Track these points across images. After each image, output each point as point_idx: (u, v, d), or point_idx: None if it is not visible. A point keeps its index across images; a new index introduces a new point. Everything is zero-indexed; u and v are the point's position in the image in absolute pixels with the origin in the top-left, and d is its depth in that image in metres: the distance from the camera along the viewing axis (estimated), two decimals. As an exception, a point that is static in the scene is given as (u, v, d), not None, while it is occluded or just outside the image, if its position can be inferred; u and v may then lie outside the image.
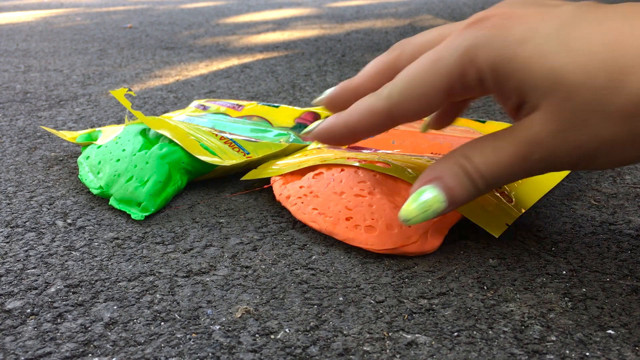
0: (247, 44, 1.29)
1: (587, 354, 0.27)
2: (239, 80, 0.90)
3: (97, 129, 0.54)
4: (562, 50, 0.26)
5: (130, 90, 0.58)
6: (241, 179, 0.46)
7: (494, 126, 0.56)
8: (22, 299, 0.32)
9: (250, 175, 0.46)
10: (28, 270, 0.35)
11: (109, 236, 0.39)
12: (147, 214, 0.42)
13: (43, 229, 0.41)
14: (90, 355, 0.27)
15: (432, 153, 0.47)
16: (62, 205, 0.44)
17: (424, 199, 0.30)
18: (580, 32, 0.26)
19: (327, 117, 0.60)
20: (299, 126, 0.59)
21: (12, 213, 0.43)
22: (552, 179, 0.44)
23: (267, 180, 0.47)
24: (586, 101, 0.26)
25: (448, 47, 0.29)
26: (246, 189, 0.47)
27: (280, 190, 0.42)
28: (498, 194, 0.39)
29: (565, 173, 0.45)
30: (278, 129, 0.58)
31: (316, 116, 0.61)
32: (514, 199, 0.40)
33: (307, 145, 0.53)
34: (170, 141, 0.46)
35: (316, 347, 0.28)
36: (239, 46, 1.26)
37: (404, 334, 0.28)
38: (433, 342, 0.28)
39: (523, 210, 0.39)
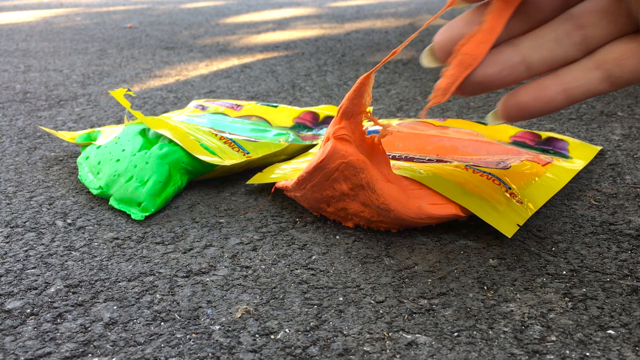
0: (247, 44, 1.29)
1: (587, 354, 0.27)
2: (239, 80, 0.90)
3: (97, 129, 0.54)
4: None
5: (129, 90, 0.58)
6: (247, 183, 0.47)
7: (496, 128, 0.56)
8: (22, 299, 0.32)
9: (255, 180, 0.46)
10: (28, 270, 0.35)
11: (108, 236, 0.39)
12: (147, 214, 0.42)
13: (43, 229, 0.41)
14: (90, 355, 0.27)
15: (437, 155, 0.47)
16: (62, 205, 0.44)
17: None
18: None
19: (326, 116, 0.60)
20: (298, 126, 0.59)
21: (12, 213, 0.43)
22: (559, 181, 0.44)
23: (272, 186, 0.47)
24: None
25: None
26: (249, 191, 0.47)
27: (286, 183, 0.42)
28: (508, 195, 0.39)
29: (571, 175, 0.45)
30: (277, 129, 0.58)
31: (315, 116, 0.61)
32: (523, 201, 0.40)
33: (308, 145, 0.53)
34: (170, 141, 0.46)
35: (316, 347, 0.27)
36: (239, 46, 1.26)
37: (404, 334, 0.28)
38: (433, 342, 0.28)
39: (534, 211, 0.39)
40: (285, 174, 0.45)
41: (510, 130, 0.55)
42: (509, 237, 0.36)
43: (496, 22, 0.27)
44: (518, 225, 0.37)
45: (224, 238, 0.39)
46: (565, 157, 0.50)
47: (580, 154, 0.51)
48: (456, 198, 0.37)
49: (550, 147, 0.52)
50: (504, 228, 0.36)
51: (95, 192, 0.45)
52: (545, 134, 0.54)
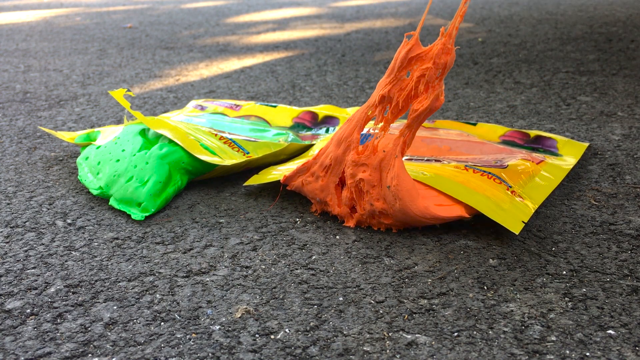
0: (247, 44, 1.29)
1: (587, 354, 0.27)
2: (239, 80, 0.90)
3: (96, 129, 0.54)
4: None
5: (129, 90, 0.58)
6: (244, 185, 0.47)
7: (485, 128, 0.56)
8: (22, 299, 0.32)
9: (252, 181, 0.46)
10: (28, 270, 0.35)
11: (108, 236, 0.39)
12: (147, 214, 0.42)
13: (43, 229, 0.41)
14: (90, 355, 0.27)
15: (432, 155, 0.47)
16: (62, 205, 0.44)
17: None
18: None
19: (325, 116, 0.60)
20: (297, 126, 0.59)
21: (12, 213, 0.43)
22: (554, 179, 0.44)
23: (271, 186, 0.47)
24: None
25: None
26: (249, 192, 0.47)
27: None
28: (510, 193, 0.40)
29: (564, 173, 0.46)
30: (277, 129, 0.58)
31: (314, 115, 0.61)
32: (524, 198, 0.40)
33: (307, 145, 0.53)
34: (170, 141, 0.46)
35: (316, 347, 0.27)
36: (239, 46, 1.26)
37: (404, 334, 0.28)
38: (433, 342, 0.28)
39: (535, 207, 0.39)
40: (283, 173, 0.45)
41: (499, 130, 0.56)
42: (517, 233, 0.36)
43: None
44: (523, 222, 0.37)
45: (224, 238, 0.39)
46: (556, 154, 0.51)
47: (569, 151, 0.51)
48: (462, 197, 0.37)
49: (540, 146, 0.53)
50: (511, 225, 0.36)
51: (95, 192, 0.45)
52: (533, 133, 0.55)
